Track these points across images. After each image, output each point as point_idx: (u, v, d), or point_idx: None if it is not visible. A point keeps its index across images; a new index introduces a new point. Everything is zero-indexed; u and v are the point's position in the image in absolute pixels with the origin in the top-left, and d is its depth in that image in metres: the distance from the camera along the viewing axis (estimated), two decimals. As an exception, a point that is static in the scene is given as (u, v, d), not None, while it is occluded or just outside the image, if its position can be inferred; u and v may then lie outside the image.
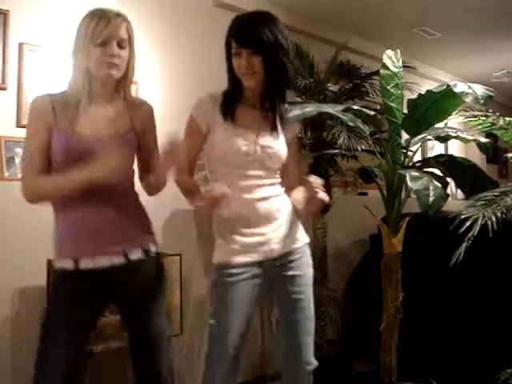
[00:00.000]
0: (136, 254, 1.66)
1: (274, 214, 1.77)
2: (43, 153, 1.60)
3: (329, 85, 3.42)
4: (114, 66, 1.62)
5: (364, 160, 2.99)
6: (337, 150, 3.01)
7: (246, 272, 1.72)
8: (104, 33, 1.59)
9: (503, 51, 4.69)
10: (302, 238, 1.88)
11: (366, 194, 4.29)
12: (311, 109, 2.33)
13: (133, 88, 2.91)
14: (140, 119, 1.74)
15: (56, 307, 1.62)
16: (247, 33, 1.67)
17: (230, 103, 1.76)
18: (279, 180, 1.85)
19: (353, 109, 2.56)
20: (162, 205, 2.91)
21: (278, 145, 1.80)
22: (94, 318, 1.70)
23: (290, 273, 1.80)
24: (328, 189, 3.35)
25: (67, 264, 1.59)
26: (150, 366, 1.69)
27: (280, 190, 1.84)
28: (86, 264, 1.59)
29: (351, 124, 2.63)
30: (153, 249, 1.73)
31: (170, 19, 3.10)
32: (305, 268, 1.85)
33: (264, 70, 1.68)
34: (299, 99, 3.48)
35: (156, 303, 1.72)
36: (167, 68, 3.07)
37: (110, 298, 1.71)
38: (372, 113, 2.56)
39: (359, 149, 3.12)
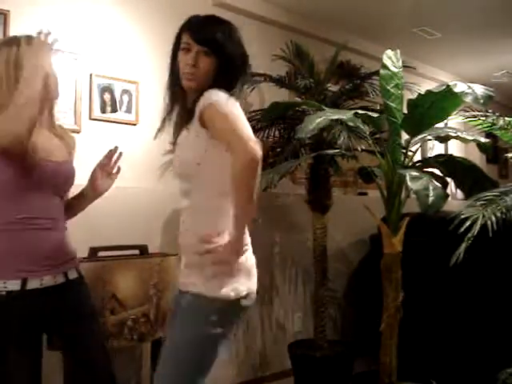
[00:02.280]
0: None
1: None
2: None
3: (329, 85, 3.42)
4: None
5: (364, 160, 2.99)
6: (337, 150, 3.01)
7: None
8: None
9: (503, 51, 4.69)
10: None
11: (366, 193, 4.29)
12: (321, 119, 2.35)
13: (133, 88, 2.94)
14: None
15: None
16: (205, 30, 1.58)
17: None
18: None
19: (360, 114, 2.57)
20: (162, 205, 2.92)
21: (180, 148, 1.59)
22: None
23: None
24: (328, 189, 3.36)
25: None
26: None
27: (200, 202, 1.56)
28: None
29: (351, 124, 2.63)
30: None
31: (170, 19, 3.09)
32: None
33: (209, 73, 1.54)
34: (299, 99, 3.48)
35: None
36: (167, 68, 3.07)
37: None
38: (375, 115, 2.57)
39: (359, 149, 3.12)
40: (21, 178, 1.61)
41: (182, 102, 1.63)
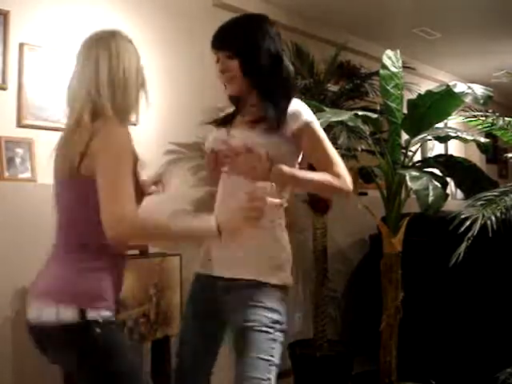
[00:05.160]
0: None
1: None
2: None
3: (329, 85, 3.42)
4: None
5: (364, 160, 2.99)
6: (337, 150, 3.01)
7: None
8: None
9: (503, 51, 4.69)
10: None
11: (366, 194, 4.28)
12: (321, 120, 2.35)
13: (133, 88, 2.93)
14: None
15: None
16: (220, 35, 1.59)
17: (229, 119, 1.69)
18: None
19: (360, 115, 2.57)
20: (162, 205, 2.92)
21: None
22: None
23: None
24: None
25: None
26: None
27: None
28: None
29: (351, 124, 2.63)
30: None
31: (170, 19, 3.10)
32: None
33: (244, 73, 1.55)
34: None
35: None
36: (167, 68, 3.07)
37: None
38: (374, 115, 2.57)
39: (359, 149, 3.12)
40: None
41: (240, 105, 1.67)
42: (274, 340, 1.50)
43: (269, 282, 1.54)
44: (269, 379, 1.47)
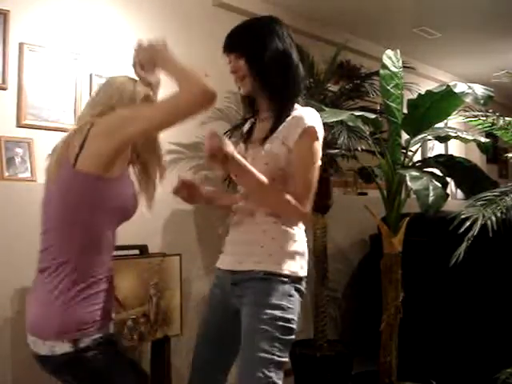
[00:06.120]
0: None
1: None
2: None
3: (329, 85, 3.41)
4: None
5: (364, 160, 2.99)
6: (337, 150, 3.01)
7: None
8: None
9: (503, 51, 4.69)
10: None
11: (365, 194, 4.28)
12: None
13: (133, 88, 2.93)
14: None
15: None
16: (230, 38, 1.65)
17: (247, 124, 1.77)
18: None
19: (358, 115, 2.57)
20: (162, 205, 2.92)
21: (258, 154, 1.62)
22: None
23: None
24: (328, 189, 3.35)
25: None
26: None
27: None
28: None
29: (351, 124, 2.63)
30: None
31: (170, 19, 3.10)
32: None
33: (251, 72, 1.60)
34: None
35: None
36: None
37: None
38: (373, 116, 2.57)
39: (359, 149, 3.12)
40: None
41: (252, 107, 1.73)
42: (278, 337, 1.50)
43: (278, 272, 1.54)
44: (268, 377, 1.48)
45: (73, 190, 1.40)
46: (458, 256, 1.80)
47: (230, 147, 1.45)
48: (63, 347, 1.34)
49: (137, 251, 2.61)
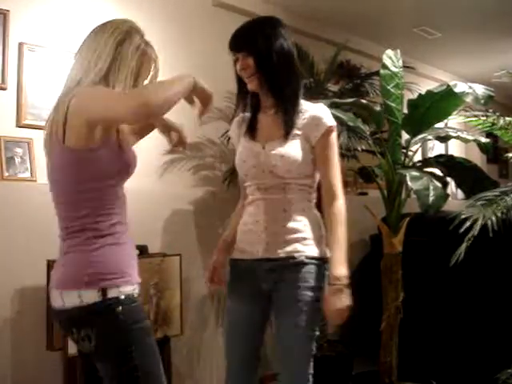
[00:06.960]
0: None
1: None
2: None
3: (329, 85, 3.41)
4: None
5: (364, 160, 2.99)
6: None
7: None
8: None
9: (503, 51, 4.69)
10: None
11: (366, 193, 4.28)
12: None
13: (133, 88, 2.93)
14: None
15: None
16: (236, 37, 1.71)
17: (251, 117, 1.80)
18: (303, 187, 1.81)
19: (359, 103, 2.57)
20: (162, 205, 2.92)
21: (286, 149, 1.70)
22: None
23: None
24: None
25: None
26: None
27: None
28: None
29: (351, 124, 2.63)
30: None
31: (170, 19, 3.10)
32: None
33: (259, 69, 1.67)
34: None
35: None
36: (167, 68, 3.06)
37: None
38: (378, 108, 2.57)
39: (359, 149, 3.12)
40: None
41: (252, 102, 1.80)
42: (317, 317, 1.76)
43: (315, 256, 1.74)
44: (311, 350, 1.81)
45: (72, 166, 1.43)
46: (458, 256, 1.80)
47: None
48: (92, 296, 1.36)
49: (137, 251, 2.60)
